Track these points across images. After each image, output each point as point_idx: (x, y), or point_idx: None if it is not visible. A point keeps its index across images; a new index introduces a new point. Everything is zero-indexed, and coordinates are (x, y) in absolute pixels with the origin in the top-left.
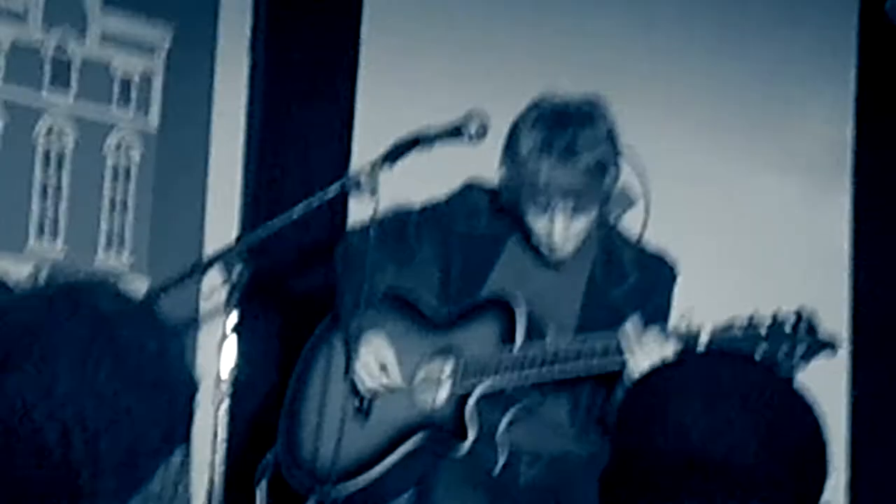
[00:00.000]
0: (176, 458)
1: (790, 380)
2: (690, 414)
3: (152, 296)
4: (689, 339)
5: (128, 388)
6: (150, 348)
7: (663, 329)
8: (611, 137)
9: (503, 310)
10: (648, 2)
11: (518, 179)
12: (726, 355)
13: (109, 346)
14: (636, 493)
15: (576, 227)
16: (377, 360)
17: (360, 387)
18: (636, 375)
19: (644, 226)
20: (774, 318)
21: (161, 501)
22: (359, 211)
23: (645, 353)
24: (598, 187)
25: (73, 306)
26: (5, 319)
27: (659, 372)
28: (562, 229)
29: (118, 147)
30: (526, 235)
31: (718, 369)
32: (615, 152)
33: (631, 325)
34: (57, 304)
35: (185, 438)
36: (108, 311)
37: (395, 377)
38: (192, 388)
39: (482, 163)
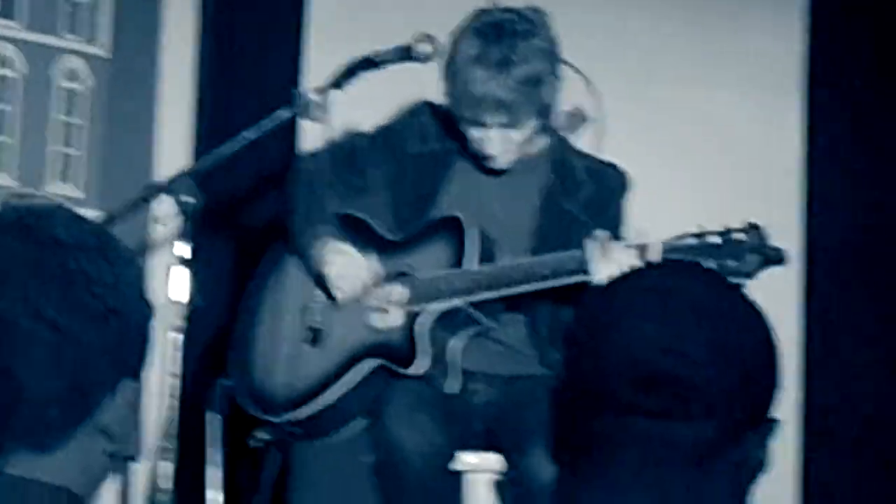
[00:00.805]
0: (127, 389)
1: (740, 290)
2: (641, 328)
3: (107, 223)
4: (640, 253)
5: (77, 316)
6: (103, 276)
7: (617, 238)
8: (551, 50)
9: (455, 230)
10: None
11: (455, 92)
12: (677, 266)
13: (60, 273)
14: (589, 410)
15: (510, 138)
16: (346, 266)
17: (337, 295)
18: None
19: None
20: (724, 230)
21: (110, 432)
22: (310, 136)
23: (611, 266)
24: (533, 100)
25: (25, 231)
26: None
27: (609, 286)
28: (496, 141)
29: (68, 74)
30: (470, 152)
31: (668, 281)
32: (553, 65)
33: (597, 238)
34: (9, 229)
35: (137, 369)
36: (62, 237)
37: (374, 273)
38: (145, 317)
39: (433, 84)
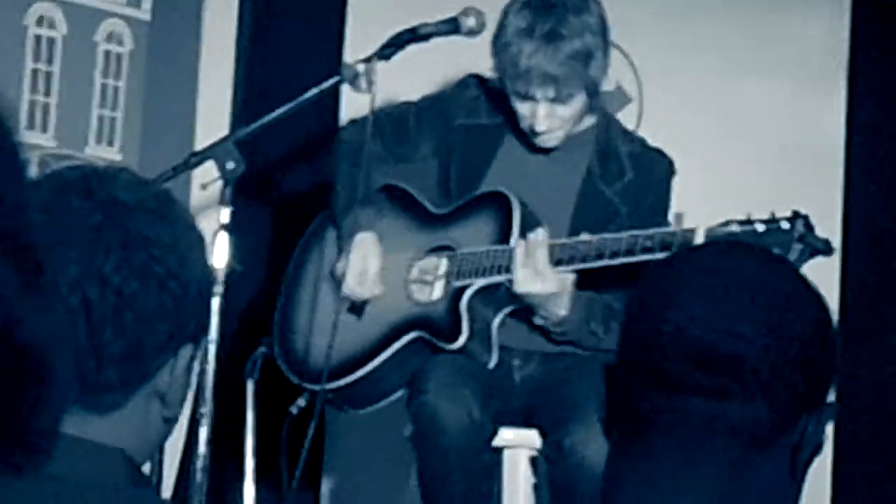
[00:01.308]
0: (184, 356)
1: (797, 271)
2: (697, 306)
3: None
4: (685, 238)
5: (136, 279)
6: (163, 240)
7: (664, 224)
8: (601, 27)
9: (501, 205)
10: None
11: (504, 64)
12: (731, 245)
13: (120, 234)
14: (643, 388)
15: (560, 113)
16: (361, 266)
17: (345, 291)
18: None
19: (637, 124)
20: (770, 218)
21: (167, 399)
22: (351, 106)
23: (535, 279)
24: (582, 75)
25: (87, 191)
26: (19, 198)
27: (665, 264)
28: (544, 116)
29: (109, 37)
30: (518, 128)
31: (722, 260)
32: (604, 42)
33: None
34: (72, 188)
35: (197, 335)
36: (123, 199)
37: (372, 287)
38: (205, 283)
39: (480, 58)
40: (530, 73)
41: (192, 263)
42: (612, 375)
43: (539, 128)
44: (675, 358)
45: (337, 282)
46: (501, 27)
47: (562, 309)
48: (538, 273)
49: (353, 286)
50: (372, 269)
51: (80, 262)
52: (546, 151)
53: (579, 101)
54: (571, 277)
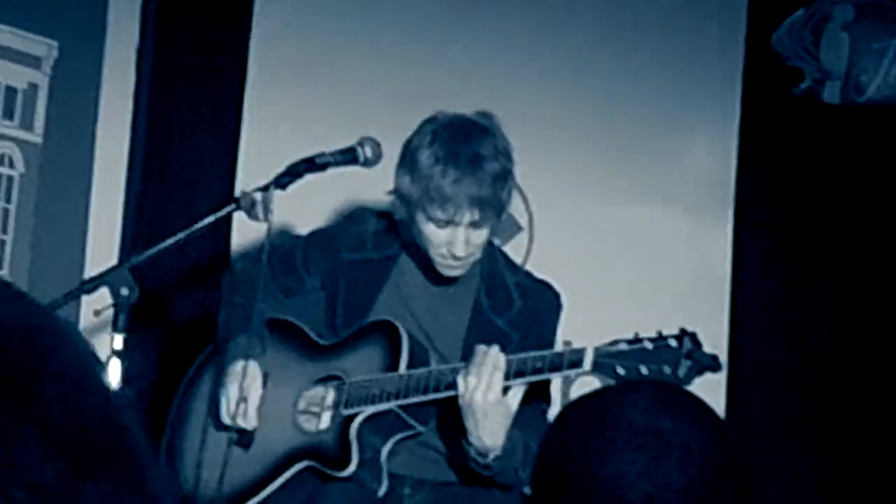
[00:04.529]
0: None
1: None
2: (630, 465)
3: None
4: (573, 358)
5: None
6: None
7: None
8: (508, 151)
9: (389, 334)
10: (535, 33)
11: (417, 194)
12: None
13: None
14: None
15: (474, 239)
16: (238, 396)
17: (224, 417)
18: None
19: (528, 252)
20: (658, 336)
21: None
22: (243, 233)
23: (480, 388)
24: (500, 199)
25: None
26: None
27: (576, 406)
28: (464, 241)
29: (0, 159)
30: (417, 257)
31: (651, 419)
32: (512, 165)
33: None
34: None
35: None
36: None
37: (251, 419)
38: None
39: (370, 187)
40: (457, 198)
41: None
42: None
43: (459, 253)
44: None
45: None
46: (414, 158)
47: (497, 439)
48: (490, 386)
49: (230, 416)
50: (252, 400)
51: None
52: (436, 278)
53: (491, 225)
54: (516, 404)
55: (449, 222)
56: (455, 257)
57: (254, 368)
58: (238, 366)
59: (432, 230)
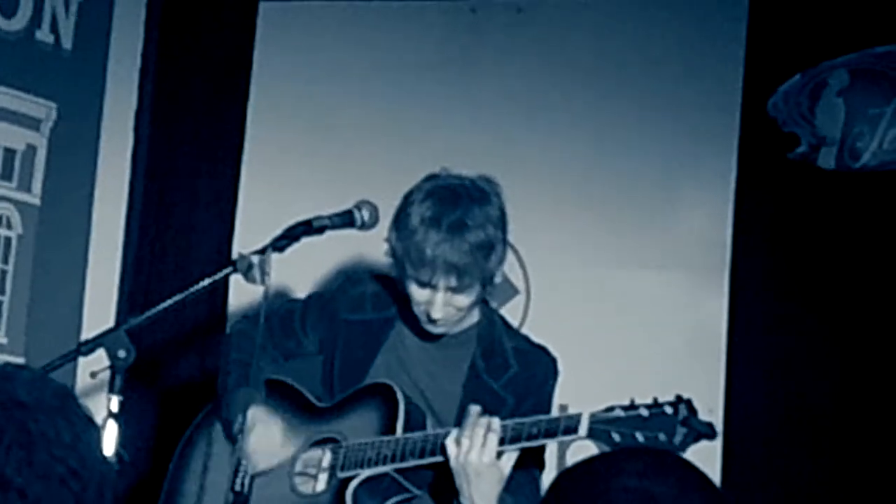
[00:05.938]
0: None
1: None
2: None
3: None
4: (569, 424)
5: (37, 479)
6: (63, 438)
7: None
8: (501, 218)
9: (385, 397)
10: (533, 97)
11: (401, 251)
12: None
13: (21, 436)
14: None
15: (456, 302)
16: (270, 438)
17: (249, 469)
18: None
19: (525, 314)
20: (654, 402)
21: None
22: (239, 296)
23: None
24: (483, 266)
25: None
26: None
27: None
28: (441, 304)
29: None
30: (413, 317)
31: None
32: (503, 235)
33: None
34: None
35: None
36: (25, 399)
37: (280, 452)
38: (105, 481)
39: (368, 249)
40: (435, 262)
41: (93, 461)
42: None
43: (435, 315)
44: None
45: (232, 469)
46: (405, 215)
47: (489, 502)
48: (485, 448)
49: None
50: (276, 436)
51: None
52: (433, 339)
53: (475, 291)
54: (509, 468)
55: (428, 284)
56: (431, 318)
57: (264, 410)
58: (253, 409)
59: (414, 289)
